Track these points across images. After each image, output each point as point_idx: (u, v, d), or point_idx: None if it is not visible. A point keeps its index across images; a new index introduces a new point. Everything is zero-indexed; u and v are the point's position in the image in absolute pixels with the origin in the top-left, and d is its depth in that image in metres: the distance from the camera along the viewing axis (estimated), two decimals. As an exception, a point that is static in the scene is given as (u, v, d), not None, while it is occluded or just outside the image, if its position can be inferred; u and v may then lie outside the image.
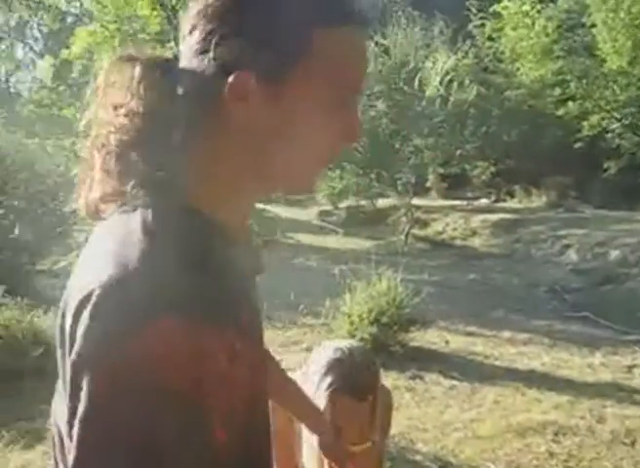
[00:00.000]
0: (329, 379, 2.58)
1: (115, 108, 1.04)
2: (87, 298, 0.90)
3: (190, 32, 1.06)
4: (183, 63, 1.06)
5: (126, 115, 1.02)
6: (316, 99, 1.03)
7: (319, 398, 2.57)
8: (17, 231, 15.70)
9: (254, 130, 1.03)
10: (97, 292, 0.90)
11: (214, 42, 1.01)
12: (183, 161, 1.04)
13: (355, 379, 2.59)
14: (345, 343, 2.77)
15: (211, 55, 1.01)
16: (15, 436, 6.67)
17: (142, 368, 0.85)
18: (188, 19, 1.06)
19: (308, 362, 2.80)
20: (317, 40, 1.01)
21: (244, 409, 0.95)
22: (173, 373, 0.85)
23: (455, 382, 7.74)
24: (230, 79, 1.00)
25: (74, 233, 9.06)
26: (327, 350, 2.71)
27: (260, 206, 7.32)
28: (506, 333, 9.89)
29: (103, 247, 0.98)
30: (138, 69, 1.04)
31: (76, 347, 0.89)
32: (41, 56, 14.26)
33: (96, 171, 1.07)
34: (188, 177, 1.04)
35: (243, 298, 1.08)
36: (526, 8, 24.42)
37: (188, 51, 1.06)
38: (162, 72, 1.05)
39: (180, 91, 1.04)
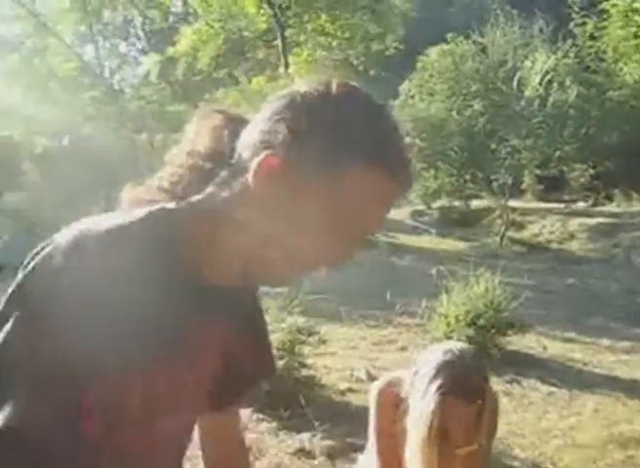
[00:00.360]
0: (439, 381, 2.55)
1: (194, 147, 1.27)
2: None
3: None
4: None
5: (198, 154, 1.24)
6: (326, 212, 1.10)
7: (428, 399, 2.54)
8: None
9: (266, 206, 1.12)
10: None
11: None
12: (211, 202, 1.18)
13: (465, 382, 2.55)
14: (456, 345, 2.73)
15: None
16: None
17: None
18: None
19: (417, 362, 2.77)
20: (351, 170, 1.10)
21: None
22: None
23: (553, 389, 7.56)
24: (263, 154, 1.12)
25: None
26: (437, 351, 2.68)
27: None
28: (605, 341, 9.61)
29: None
30: (222, 118, 1.28)
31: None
32: (144, 53, 14.65)
33: (157, 179, 1.27)
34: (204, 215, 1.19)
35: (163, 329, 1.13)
36: (637, 5, 23.58)
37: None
38: (236, 127, 1.24)
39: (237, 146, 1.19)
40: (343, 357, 8.28)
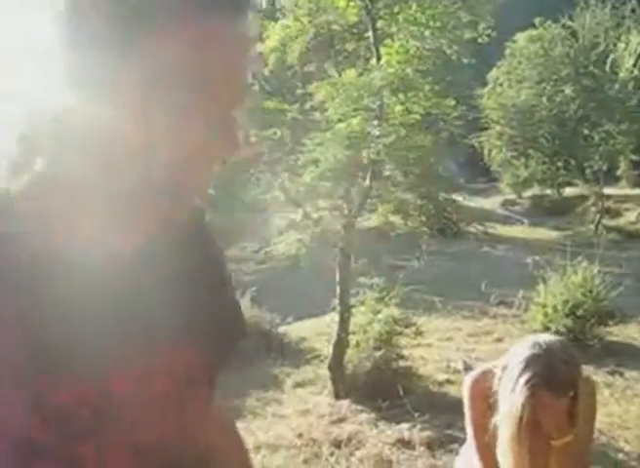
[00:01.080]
0: (527, 374, 2.53)
1: None
2: None
3: None
4: None
5: None
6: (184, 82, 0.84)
7: (518, 392, 2.53)
8: (206, 218, 16.60)
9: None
10: None
11: None
12: None
13: (554, 375, 2.52)
14: (544, 338, 2.70)
15: None
16: (218, 412, 7.03)
17: None
18: None
19: (508, 355, 2.75)
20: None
21: None
22: None
23: (658, 380, 7.34)
24: None
25: (259, 221, 9.37)
26: (526, 344, 2.65)
27: (446, 195, 7.28)
28: None
29: None
30: None
31: None
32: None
33: None
34: None
35: None
36: None
37: None
38: None
39: None
40: (439, 348, 8.25)
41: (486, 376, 2.79)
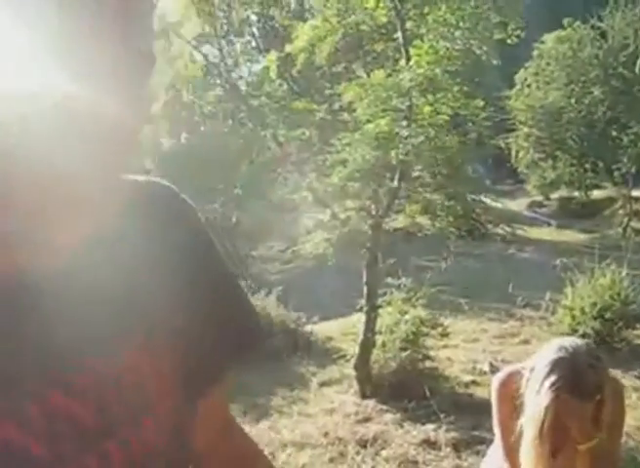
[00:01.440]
0: (552, 378, 2.53)
1: None
2: None
3: None
4: None
5: None
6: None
7: (543, 395, 2.53)
8: (234, 219, 16.67)
9: None
10: None
11: None
12: None
13: (579, 379, 2.52)
14: (571, 341, 2.69)
15: None
16: (242, 410, 7.08)
17: None
18: None
19: (535, 357, 2.75)
20: None
21: None
22: None
23: (687, 384, 7.27)
24: None
25: (286, 220, 9.40)
26: (552, 347, 2.65)
27: (474, 196, 7.29)
28: None
29: None
30: None
31: None
32: (259, 51, 15.06)
33: None
34: None
35: None
36: None
37: None
38: None
39: None
40: (465, 349, 8.23)
41: (513, 378, 2.80)
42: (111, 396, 0.81)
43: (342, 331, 9.10)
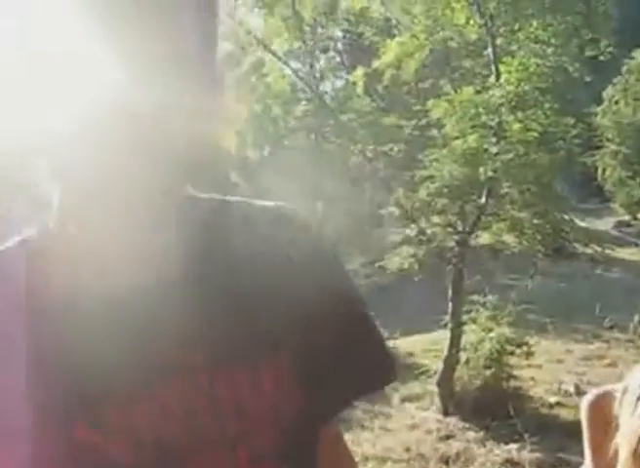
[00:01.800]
0: None
1: None
2: None
3: None
4: None
5: None
6: None
7: (635, 418, 2.49)
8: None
9: None
10: None
11: None
12: None
13: None
14: None
15: None
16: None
17: None
18: None
19: (628, 378, 2.70)
20: None
21: None
22: None
23: None
24: None
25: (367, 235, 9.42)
26: None
27: (563, 215, 7.18)
28: None
29: None
30: None
31: None
32: (344, 67, 15.16)
33: None
34: None
35: None
36: None
37: None
38: None
39: None
40: (550, 370, 8.09)
41: (605, 399, 2.76)
42: (205, 412, 0.78)
43: (424, 347, 9.08)
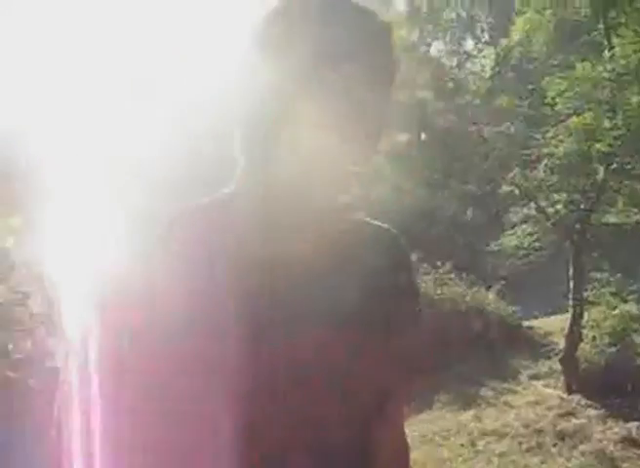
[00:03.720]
0: None
1: None
2: None
3: None
4: None
5: None
6: None
7: None
8: (469, 214, 16.79)
9: None
10: None
11: None
12: None
13: None
14: None
15: None
16: (451, 398, 7.32)
17: None
18: None
19: None
20: None
21: None
22: None
23: None
24: None
25: (509, 214, 9.39)
26: None
27: None
28: None
29: None
30: None
31: None
32: (489, 46, 14.99)
33: None
34: None
35: None
36: None
37: None
38: None
39: None
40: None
41: None
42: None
43: (563, 325, 9.00)
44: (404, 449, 1.29)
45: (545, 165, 6.66)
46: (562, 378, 6.98)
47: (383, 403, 1.18)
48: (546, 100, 6.73)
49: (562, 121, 6.52)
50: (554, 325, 9.32)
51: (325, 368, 1.08)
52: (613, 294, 6.87)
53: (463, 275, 10.11)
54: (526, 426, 6.31)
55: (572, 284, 6.79)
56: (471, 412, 6.96)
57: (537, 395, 7.04)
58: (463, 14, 13.63)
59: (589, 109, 6.40)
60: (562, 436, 6.01)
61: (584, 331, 6.88)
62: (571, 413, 6.40)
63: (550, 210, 7.05)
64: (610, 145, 6.20)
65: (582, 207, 6.86)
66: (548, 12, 7.99)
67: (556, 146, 6.53)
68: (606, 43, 6.37)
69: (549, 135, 6.58)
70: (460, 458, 6.06)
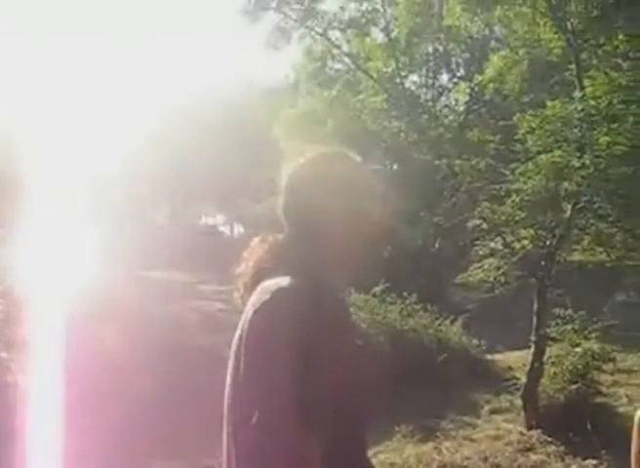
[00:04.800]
0: None
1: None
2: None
3: None
4: None
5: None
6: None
7: None
8: (437, 245, 16.88)
9: None
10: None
11: None
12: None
13: None
14: None
15: None
16: (412, 430, 7.29)
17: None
18: None
19: None
20: None
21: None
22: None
23: None
24: None
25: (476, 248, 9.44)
26: None
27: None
28: None
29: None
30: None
31: None
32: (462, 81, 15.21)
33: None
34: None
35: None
36: None
37: None
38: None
39: None
40: (649, 389, 7.87)
41: None
42: None
43: (526, 361, 9.04)
44: None
45: (513, 200, 6.72)
46: (522, 414, 7.00)
47: None
48: (517, 137, 6.83)
49: (531, 158, 6.58)
50: (517, 360, 9.37)
51: None
52: (575, 332, 6.90)
53: (429, 307, 10.17)
54: (484, 460, 6.30)
55: (535, 319, 6.82)
56: (431, 445, 6.94)
57: (497, 429, 7.05)
58: (440, 48, 13.84)
59: (559, 147, 6.48)
60: (520, 471, 6.02)
61: (546, 367, 6.90)
62: (530, 449, 6.41)
63: (516, 245, 7.11)
64: (578, 184, 6.28)
65: (548, 243, 6.92)
66: (522, 50, 8.14)
67: (525, 182, 6.59)
68: (577, 83, 6.46)
69: (519, 171, 6.64)
70: (419, 490, 6.03)
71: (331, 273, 1.69)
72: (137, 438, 5.60)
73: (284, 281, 1.56)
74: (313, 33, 10.34)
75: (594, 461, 5.96)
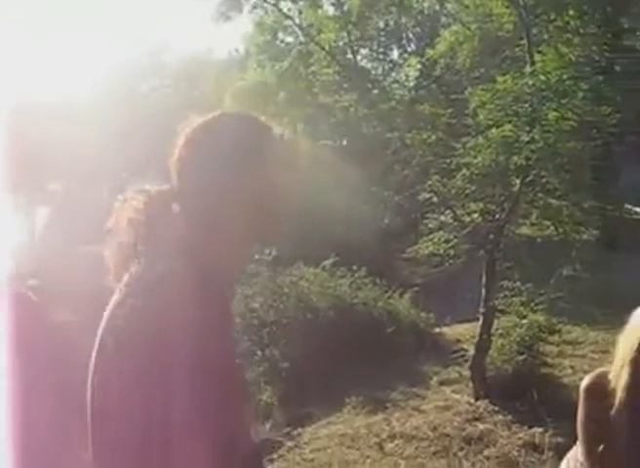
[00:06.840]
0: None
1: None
2: None
3: None
4: None
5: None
6: None
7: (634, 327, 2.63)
8: (386, 220, 16.97)
9: None
10: None
11: None
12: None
13: None
14: None
15: None
16: (361, 401, 7.37)
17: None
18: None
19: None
20: None
21: None
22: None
23: None
24: None
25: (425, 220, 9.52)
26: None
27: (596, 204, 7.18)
28: None
29: None
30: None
31: None
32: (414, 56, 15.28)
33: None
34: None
35: None
36: None
37: None
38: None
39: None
40: (593, 360, 8.04)
41: (601, 378, 2.88)
42: None
43: (474, 333, 9.17)
44: None
45: (464, 174, 6.77)
46: (470, 384, 7.11)
47: None
48: (468, 111, 6.88)
49: (482, 132, 6.64)
50: (465, 332, 9.51)
51: None
52: (523, 304, 7.02)
53: (378, 280, 10.24)
54: (434, 430, 6.41)
55: (484, 292, 6.92)
56: (381, 416, 7.02)
57: (445, 400, 7.16)
58: (391, 22, 13.82)
59: (509, 122, 6.54)
60: (468, 440, 6.12)
61: (494, 339, 7.02)
62: (478, 419, 6.53)
63: (466, 218, 7.19)
64: (527, 158, 6.35)
65: (497, 217, 7.00)
66: (474, 26, 8.16)
67: (475, 156, 6.64)
68: (528, 58, 6.51)
69: (469, 145, 6.69)
70: (368, 460, 6.10)
71: (225, 262, 1.47)
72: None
73: (166, 270, 1.34)
74: (265, 4, 10.26)
75: (540, 429, 6.10)
